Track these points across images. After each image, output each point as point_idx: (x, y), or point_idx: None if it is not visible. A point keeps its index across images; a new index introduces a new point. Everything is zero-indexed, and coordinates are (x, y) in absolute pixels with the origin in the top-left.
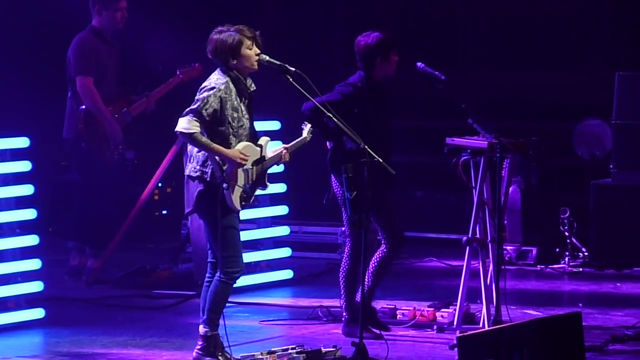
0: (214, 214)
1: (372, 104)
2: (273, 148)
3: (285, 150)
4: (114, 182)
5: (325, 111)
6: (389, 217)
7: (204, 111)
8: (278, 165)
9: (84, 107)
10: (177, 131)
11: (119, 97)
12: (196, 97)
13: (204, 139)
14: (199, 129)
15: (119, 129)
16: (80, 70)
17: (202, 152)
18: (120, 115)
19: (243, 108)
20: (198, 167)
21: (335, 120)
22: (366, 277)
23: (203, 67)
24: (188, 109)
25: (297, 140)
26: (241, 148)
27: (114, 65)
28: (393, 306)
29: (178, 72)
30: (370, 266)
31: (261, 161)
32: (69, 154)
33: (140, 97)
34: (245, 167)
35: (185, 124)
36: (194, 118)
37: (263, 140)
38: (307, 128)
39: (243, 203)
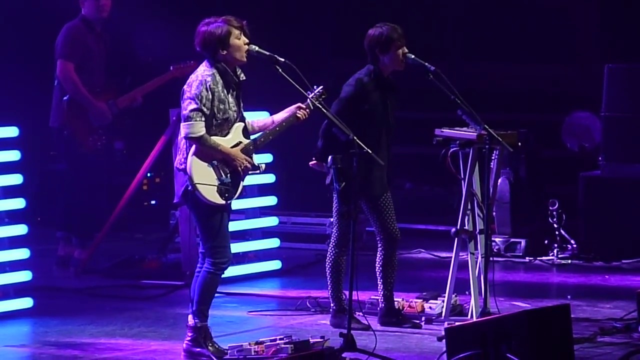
0: (200, 206)
1: (379, 99)
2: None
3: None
4: (100, 171)
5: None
6: (382, 216)
7: (204, 108)
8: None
9: (67, 97)
10: (187, 137)
11: (106, 88)
12: (187, 95)
13: (211, 139)
14: (204, 129)
15: (104, 109)
16: (62, 54)
17: (187, 144)
18: (107, 106)
19: (231, 100)
20: (183, 160)
21: (324, 111)
22: (378, 281)
23: (197, 64)
24: (188, 110)
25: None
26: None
27: (102, 56)
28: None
29: (171, 68)
30: (377, 271)
31: (235, 146)
32: (55, 143)
33: (129, 91)
34: (208, 164)
35: (193, 127)
36: (200, 118)
37: (235, 127)
38: (314, 93)
39: (226, 195)
